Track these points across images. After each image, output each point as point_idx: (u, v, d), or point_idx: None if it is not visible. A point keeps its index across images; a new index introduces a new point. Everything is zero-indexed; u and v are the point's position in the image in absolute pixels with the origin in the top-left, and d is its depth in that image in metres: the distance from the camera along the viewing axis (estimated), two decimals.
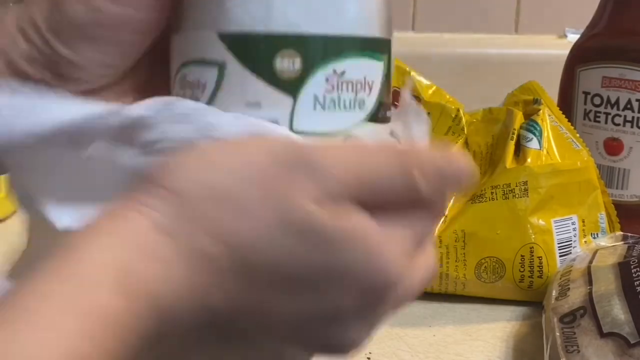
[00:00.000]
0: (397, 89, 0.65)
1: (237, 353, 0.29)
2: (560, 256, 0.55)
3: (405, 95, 0.33)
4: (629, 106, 0.62)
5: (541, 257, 0.55)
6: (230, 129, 0.28)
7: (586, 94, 0.64)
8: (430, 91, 0.62)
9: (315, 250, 0.26)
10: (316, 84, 0.29)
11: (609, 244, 0.56)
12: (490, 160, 0.59)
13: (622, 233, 0.58)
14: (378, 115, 0.31)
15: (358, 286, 0.27)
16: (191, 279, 0.25)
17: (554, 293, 0.50)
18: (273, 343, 0.29)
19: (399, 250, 0.28)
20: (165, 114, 0.28)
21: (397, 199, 0.28)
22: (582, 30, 0.66)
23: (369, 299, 0.28)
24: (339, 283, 0.27)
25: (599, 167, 0.61)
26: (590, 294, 0.47)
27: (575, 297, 0.48)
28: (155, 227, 0.25)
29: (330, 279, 0.27)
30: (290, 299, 0.27)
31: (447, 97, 0.63)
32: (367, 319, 0.29)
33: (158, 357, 0.27)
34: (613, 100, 0.62)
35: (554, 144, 0.57)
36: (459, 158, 0.29)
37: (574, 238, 0.56)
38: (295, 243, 0.26)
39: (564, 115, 0.61)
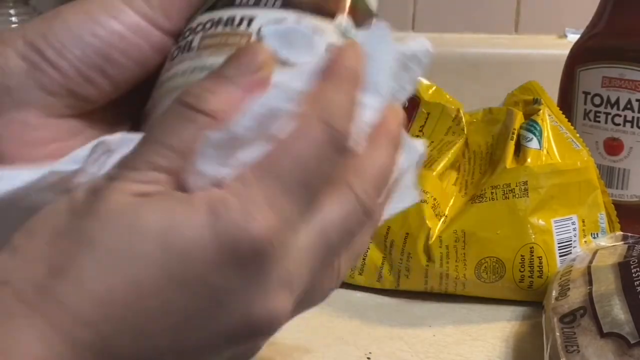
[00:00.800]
0: None
1: None
2: (560, 256, 0.55)
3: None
4: (629, 106, 0.62)
5: (541, 257, 0.55)
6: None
7: (586, 94, 0.64)
8: (430, 91, 0.62)
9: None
10: None
11: (609, 244, 0.56)
12: (490, 160, 0.59)
13: (622, 233, 0.58)
14: None
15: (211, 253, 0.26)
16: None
17: (554, 293, 0.50)
18: None
19: (273, 217, 0.27)
20: (90, 159, 0.29)
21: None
22: (582, 30, 0.66)
23: (239, 264, 0.27)
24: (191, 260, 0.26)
25: (599, 167, 0.61)
26: (590, 294, 0.47)
27: (575, 297, 0.48)
28: None
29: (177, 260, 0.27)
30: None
31: (447, 97, 0.63)
32: (258, 284, 0.28)
33: None
34: (613, 100, 0.62)
35: (554, 144, 0.57)
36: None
37: (574, 238, 0.56)
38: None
39: (564, 115, 0.61)
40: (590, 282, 0.49)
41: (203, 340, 0.27)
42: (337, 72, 0.29)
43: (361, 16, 0.33)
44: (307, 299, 0.30)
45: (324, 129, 0.27)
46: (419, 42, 0.34)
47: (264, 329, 0.28)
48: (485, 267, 0.55)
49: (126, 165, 0.27)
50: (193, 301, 0.26)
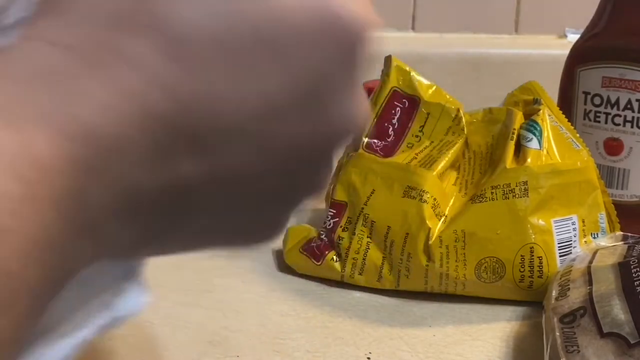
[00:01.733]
0: (397, 89, 0.65)
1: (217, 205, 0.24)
2: (560, 256, 0.55)
3: None
4: (629, 106, 0.62)
5: (541, 257, 0.55)
6: None
7: (586, 94, 0.64)
8: (430, 91, 0.62)
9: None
10: None
11: (609, 244, 0.56)
12: (490, 160, 0.59)
13: (622, 233, 0.58)
14: None
15: (322, 36, 0.24)
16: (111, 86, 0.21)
17: (554, 293, 0.50)
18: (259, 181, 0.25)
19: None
20: None
21: None
22: (582, 30, 0.66)
23: (346, 50, 0.25)
24: (300, 39, 0.24)
25: (599, 167, 0.61)
26: (590, 294, 0.47)
27: (575, 297, 0.48)
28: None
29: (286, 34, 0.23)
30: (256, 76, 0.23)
31: (447, 97, 0.63)
32: (356, 76, 0.26)
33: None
34: (613, 100, 0.62)
35: (554, 144, 0.57)
36: None
37: (574, 238, 0.56)
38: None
39: (564, 115, 0.61)
40: (590, 282, 0.49)
41: (298, 133, 0.24)
42: None
43: None
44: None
45: None
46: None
47: (352, 128, 0.26)
48: (485, 267, 0.55)
49: None
50: (295, 80, 0.24)
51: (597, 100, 0.63)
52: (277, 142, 0.24)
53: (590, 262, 0.52)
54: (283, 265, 0.61)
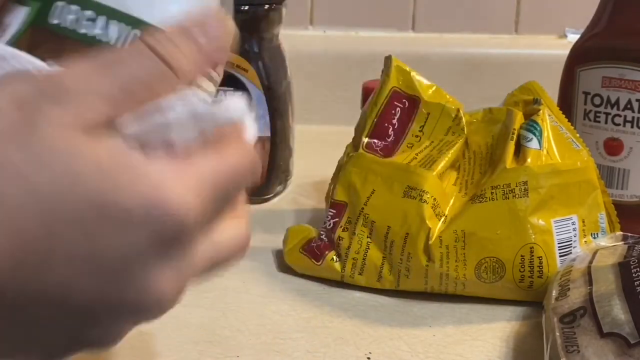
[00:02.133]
0: (397, 89, 0.65)
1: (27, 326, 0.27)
2: (560, 256, 0.55)
3: None
4: (629, 106, 0.62)
5: (541, 257, 0.55)
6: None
7: (586, 94, 0.64)
8: (430, 91, 0.62)
9: (74, 182, 0.25)
10: None
11: (609, 244, 0.56)
12: (490, 160, 0.59)
13: (622, 233, 0.58)
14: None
15: (139, 220, 0.25)
16: None
17: (554, 293, 0.50)
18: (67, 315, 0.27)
19: (189, 190, 0.26)
20: None
21: (154, 83, 0.27)
22: (582, 30, 0.66)
23: (160, 240, 0.26)
24: (114, 217, 0.25)
25: (599, 167, 0.61)
26: (590, 294, 0.47)
27: (575, 297, 0.48)
28: None
29: (101, 211, 0.25)
30: (61, 239, 0.25)
31: (447, 97, 0.63)
32: (171, 264, 0.27)
33: None
34: (613, 100, 0.62)
35: (554, 144, 0.57)
36: (206, 15, 0.29)
37: (574, 238, 0.56)
38: (49, 176, 0.24)
39: (564, 115, 0.61)
40: (590, 282, 0.49)
41: (94, 301, 0.26)
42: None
43: None
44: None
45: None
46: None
47: (152, 309, 0.28)
48: (485, 267, 0.55)
49: (67, 89, 0.25)
50: (97, 259, 0.25)
51: (597, 100, 0.63)
52: (72, 301, 0.26)
53: (590, 262, 0.52)
54: (283, 265, 0.61)
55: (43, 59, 0.28)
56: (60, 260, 0.25)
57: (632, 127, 0.62)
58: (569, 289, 0.50)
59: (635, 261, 0.48)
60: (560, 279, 0.52)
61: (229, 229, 0.30)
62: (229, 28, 0.30)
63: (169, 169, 0.26)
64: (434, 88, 0.63)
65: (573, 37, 0.97)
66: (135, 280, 0.26)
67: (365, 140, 0.61)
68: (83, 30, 0.30)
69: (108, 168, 0.25)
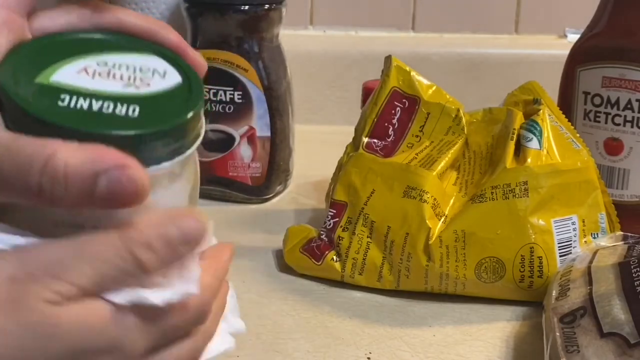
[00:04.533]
0: (397, 89, 0.65)
1: None
2: (560, 256, 0.55)
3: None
4: (629, 106, 0.62)
5: (541, 257, 0.55)
6: None
7: (586, 94, 0.64)
8: (430, 91, 0.62)
9: (51, 345, 0.30)
10: None
11: (609, 244, 0.56)
12: (490, 160, 0.59)
13: (622, 233, 0.58)
14: None
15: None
16: None
17: (554, 293, 0.50)
18: None
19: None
20: None
21: (125, 276, 0.31)
22: (582, 30, 0.66)
23: None
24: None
25: (599, 167, 0.61)
26: (590, 294, 0.47)
27: (575, 297, 0.48)
28: None
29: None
30: None
31: (447, 97, 0.63)
32: None
33: None
34: (613, 100, 0.62)
35: (554, 144, 0.57)
36: (185, 217, 0.32)
37: (574, 238, 0.56)
38: (33, 342, 0.29)
39: (564, 115, 0.61)
40: (590, 282, 0.49)
41: None
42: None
43: None
44: None
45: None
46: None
47: None
48: (485, 267, 0.55)
49: (50, 271, 0.30)
50: None
51: (597, 100, 0.63)
52: None
53: (590, 262, 0.52)
54: (283, 265, 0.61)
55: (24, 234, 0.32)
56: None
57: (632, 127, 0.62)
58: (569, 289, 0.50)
59: (635, 261, 0.48)
60: (560, 279, 0.52)
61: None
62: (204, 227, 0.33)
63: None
64: (434, 88, 0.63)
65: (573, 37, 0.97)
66: None
67: (365, 140, 0.61)
68: None
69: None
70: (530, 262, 0.55)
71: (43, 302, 0.30)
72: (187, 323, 0.33)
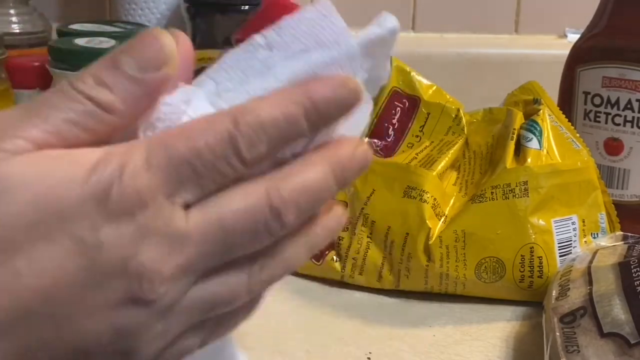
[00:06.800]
0: (397, 89, 0.65)
1: None
2: (561, 256, 0.55)
3: None
4: (629, 106, 0.62)
5: (541, 257, 0.55)
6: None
7: (586, 94, 0.64)
8: (430, 91, 0.62)
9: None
10: None
11: (609, 244, 0.56)
12: (490, 160, 0.59)
13: (622, 233, 0.58)
14: None
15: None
16: None
17: (554, 293, 0.50)
18: None
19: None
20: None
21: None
22: (582, 30, 0.66)
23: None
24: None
25: (599, 167, 0.61)
26: (590, 294, 0.47)
27: (576, 297, 0.48)
28: None
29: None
30: None
31: (447, 97, 0.63)
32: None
33: None
34: (613, 100, 0.62)
35: (554, 144, 0.57)
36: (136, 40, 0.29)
37: (574, 238, 0.56)
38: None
39: (564, 115, 0.61)
40: (590, 282, 0.49)
41: (83, 302, 0.27)
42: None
43: None
44: (219, 308, 0.30)
45: (230, 128, 0.27)
46: (383, 21, 0.33)
47: (140, 284, 0.27)
48: (485, 267, 0.55)
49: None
50: (64, 262, 0.27)
51: (597, 100, 0.63)
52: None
53: (591, 262, 0.52)
54: None
55: None
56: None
57: (632, 127, 0.62)
58: (569, 289, 0.50)
59: (635, 261, 0.48)
60: (560, 279, 0.52)
61: (241, 201, 0.28)
62: (165, 43, 0.29)
63: (115, 151, 0.27)
64: (434, 88, 0.63)
65: (573, 37, 0.97)
66: (107, 262, 0.27)
67: (365, 140, 0.61)
68: None
69: None
70: (530, 262, 0.55)
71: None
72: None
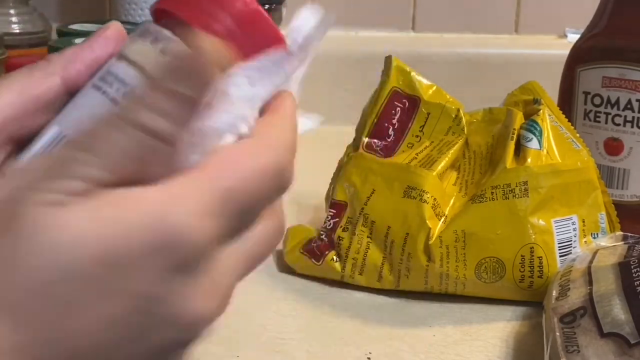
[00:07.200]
0: (397, 89, 0.65)
1: None
2: (561, 256, 0.55)
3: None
4: (629, 106, 0.62)
5: (541, 257, 0.55)
6: None
7: (586, 94, 0.64)
8: (430, 91, 0.62)
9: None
10: None
11: (609, 244, 0.56)
12: (490, 160, 0.59)
13: (622, 233, 0.58)
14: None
15: (146, 256, 0.26)
16: None
17: (554, 293, 0.50)
18: None
19: (199, 212, 0.27)
20: None
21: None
22: (582, 30, 0.66)
23: (175, 267, 0.26)
24: (118, 264, 0.26)
25: (599, 167, 0.61)
26: (590, 294, 0.47)
27: (576, 297, 0.48)
28: None
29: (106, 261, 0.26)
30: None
31: (447, 97, 0.63)
32: (194, 284, 0.27)
33: None
34: (613, 100, 0.62)
35: (554, 144, 0.57)
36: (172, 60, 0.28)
37: (574, 238, 0.56)
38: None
39: (564, 115, 0.61)
40: (590, 282, 0.49)
41: (137, 351, 0.27)
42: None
43: None
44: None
45: (275, 163, 0.30)
46: (310, 16, 0.34)
47: (191, 332, 0.29)
48: (485, 267, 0.55)
49: (47, 174, 0.26)
50: (125, 313, 0.26)
51: (597, 100, 0.63)
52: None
53: (591, 262, 0.52)
54: (283, 265, 0.61)
55: None
56: (82, 322, 0.26)
57: (632, 127, 0.62)
58: (569, 289, 0.50)
59: (635, 261, 0.48)
60: (561, 279, 0.52)
61: (261, 231, 0.30)
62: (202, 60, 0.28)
63: (178, 194, 0.26)
64: (434, 88, 0.63)
65: (573, 37, 0.97)
66: (162, 316, 0.27)
67: (365, 140, 0.61)
68: None
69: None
70: (530, 262, 0.55)
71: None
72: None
